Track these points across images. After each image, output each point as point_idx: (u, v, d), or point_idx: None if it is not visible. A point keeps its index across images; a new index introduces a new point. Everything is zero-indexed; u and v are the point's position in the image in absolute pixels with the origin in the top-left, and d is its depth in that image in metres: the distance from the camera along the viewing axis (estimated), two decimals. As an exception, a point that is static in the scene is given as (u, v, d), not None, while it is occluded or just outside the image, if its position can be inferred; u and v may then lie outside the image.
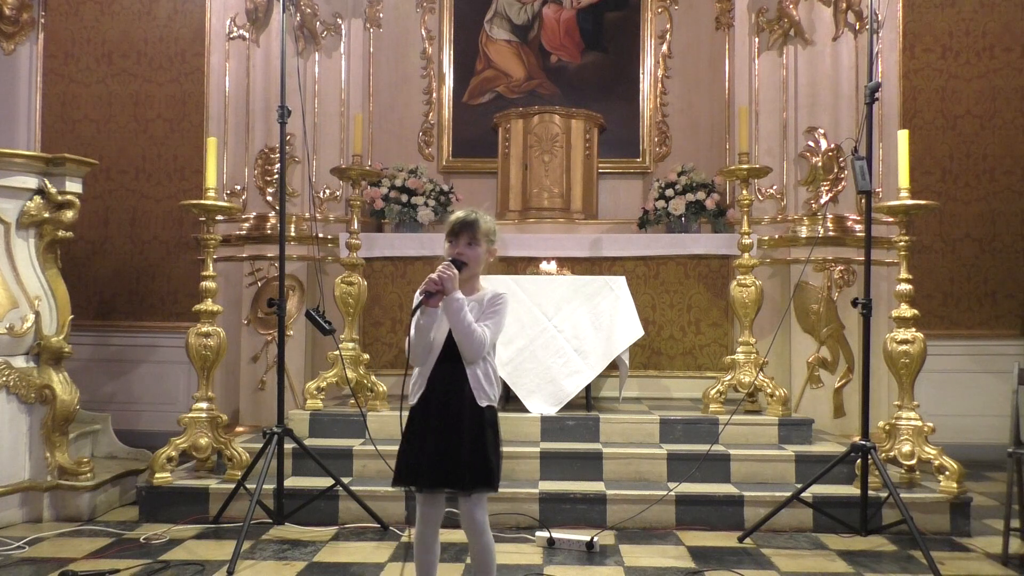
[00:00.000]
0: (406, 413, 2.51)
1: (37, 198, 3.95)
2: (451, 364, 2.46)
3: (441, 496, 2.53)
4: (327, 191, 5.45)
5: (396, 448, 2.53)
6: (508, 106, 5.89)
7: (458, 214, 2.54)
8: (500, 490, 2.59)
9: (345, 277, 4.57)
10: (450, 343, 2.45)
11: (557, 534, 3.55)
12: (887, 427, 3.99)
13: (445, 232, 2.54)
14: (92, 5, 6.04)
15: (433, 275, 2.38)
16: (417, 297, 2.42)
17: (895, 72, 5.50)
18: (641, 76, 6.10)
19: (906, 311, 3.98)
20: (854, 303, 3.73)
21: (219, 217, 4.32)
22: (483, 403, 2.46)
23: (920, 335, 3.99)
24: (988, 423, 5.23)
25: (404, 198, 5.53)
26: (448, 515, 2.63)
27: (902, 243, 4.03)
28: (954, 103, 5.77)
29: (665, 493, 3.83)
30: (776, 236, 5.20)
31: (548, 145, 5.48)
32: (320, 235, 5.24)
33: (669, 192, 5.48)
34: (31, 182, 3.93)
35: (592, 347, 4.51)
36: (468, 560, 3.31)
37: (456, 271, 2.40)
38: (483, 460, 2.43)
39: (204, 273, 4.13)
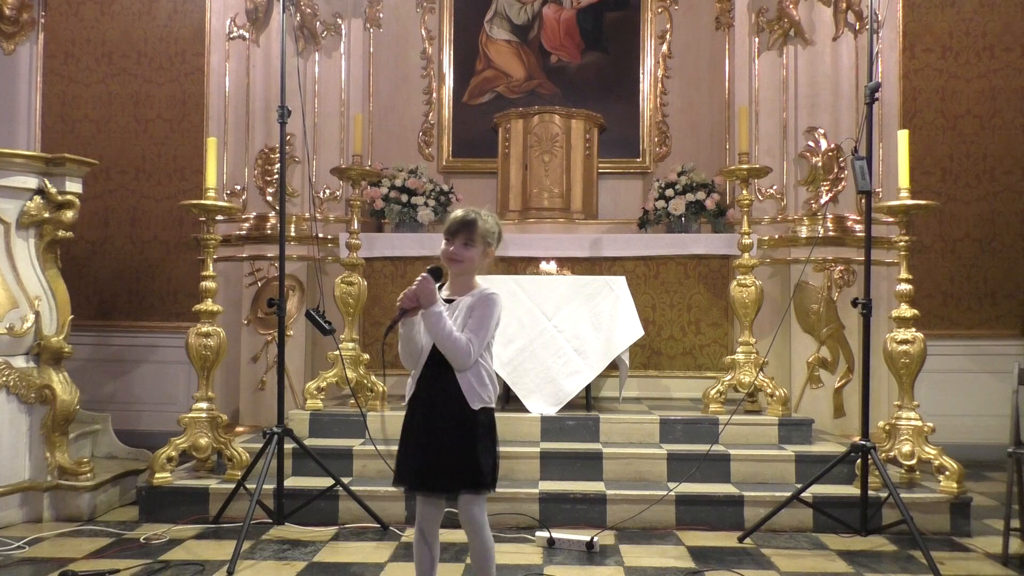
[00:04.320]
0: (397, 413, 2.51)
1: (37, 198, 3.95)
2: (439, 368, 2.44)
3: (441, 496, 2.52)
4: (327, 191, 5.45)
5: (396, 448, 2.54)
6: (508, 106, 5.89)
7: (458, 213, 2.52)
8: (500, 490, 2.59)
9: (345, 277, 4.58)
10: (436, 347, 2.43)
11: (557, 534, 3.55)
12: (887, 427, 3.99)
13: (444, 229, 2.52)
14: (92, 5, 6.04)
15: (409, 289, 2.38)
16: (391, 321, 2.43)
17: (895, 72, 5.50)
18: (641, 76, 6.10)
19: (906, 311, 3.98)
20: (854, 303, 3.73)
21: (219, 217, 4.32)
22: (476, 406, 2.43)
23: (920, 335, 3.99)
24: (988, 423, 5.23)
25: (404, 198, 5.53)
26: (448, 515, 2.63)
27: (902, 243, 4.03)
28: (954, 103, 5.77)
29: (665, 493, 3.83)
30: (776, 236, 5.20)
31: (548, 145, 5.48)
32: (320, 235, 5.24)
33: (669, 192, 5.48)
34: (31, 182, 3.93)
35: (592, 347, 4.51)
36: (468, 560, 3.32)
37: (434, 282, 2.39)
38: (472, 462, 2.41)
39: (204, 273, 4.13)
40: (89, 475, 3.96)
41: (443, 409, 2.42)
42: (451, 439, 2.40)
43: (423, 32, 6.16)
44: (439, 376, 2.44)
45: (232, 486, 3.80)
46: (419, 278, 2.38)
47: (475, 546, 2.51)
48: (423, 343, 2.45)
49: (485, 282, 2.56)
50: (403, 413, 2.52)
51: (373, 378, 4.53)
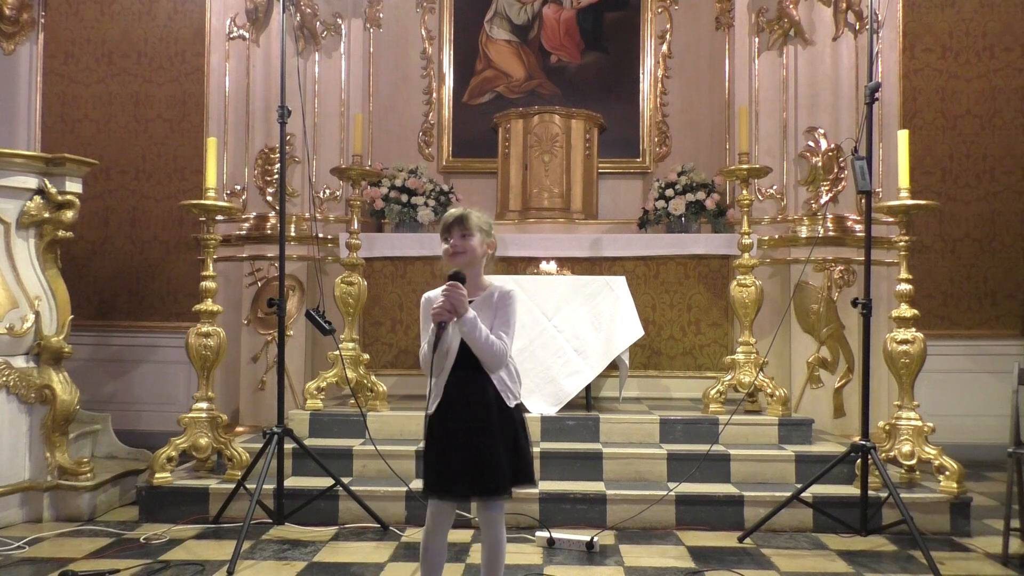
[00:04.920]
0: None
1: (37, 198, 3.95)
2: (467, 372, 2.42)
3: (452, 501, 2.52)
4: (327, 191, 5.45)
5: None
6: (508, 106, 5.89)
7: (449, 211, 2.54)
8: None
9: (345, 277, 4.58)
10: (463, 350, 2.41)
11: (557, 534, 3.55)
12: (887, 427, 3.99)
13: (439, 232, 2.52)
14: (92, 5, 6.04)
15: (444, 301, 2.32)
16: (428, 335, 2.38)
17: (895, 72, 5.50)
18: (641, 76, 6.10)
19: (906, 311, 3.98)
20: (854, 303, 3.73)
21: (219, 217, 4.32)
22: (512, 403, 2.45)
23: (920, 335, 3.99)
24: (988, 423, 5.23)
25: (404, 198, 5.53)
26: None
27: (902, 243, 4.03)
28: (954, 103, 5.77)
29: (665, 493, 3.83)
30: (776, 236, 5.20)
31: (548, 145, 5.48)
32: (320, 235, 5.24)
33: (669, 192, 5.48)
34: (31, 182, 3.93)
35: (592, 347, 4.51)
36: (468, 560, 3.32)
37: (462, 288, 2.34)
38: (518, 459, 2.43)
39: (204, 273, 4.13)
40: (89, 475, 3.96)
41: (483, 412, 2.41)
42: (499, 441, 2.40)
43: (423, 32, 6.16)
44: (469, 379, 2.42)
45: (232, 486, 3.79)
46: (447, 287, 2.33)
47: (490, 542, 2.50)
48: (452, 347, 2.43)
49: (493, 281, 2.56)
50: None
51: (373, 378, 4.53)
